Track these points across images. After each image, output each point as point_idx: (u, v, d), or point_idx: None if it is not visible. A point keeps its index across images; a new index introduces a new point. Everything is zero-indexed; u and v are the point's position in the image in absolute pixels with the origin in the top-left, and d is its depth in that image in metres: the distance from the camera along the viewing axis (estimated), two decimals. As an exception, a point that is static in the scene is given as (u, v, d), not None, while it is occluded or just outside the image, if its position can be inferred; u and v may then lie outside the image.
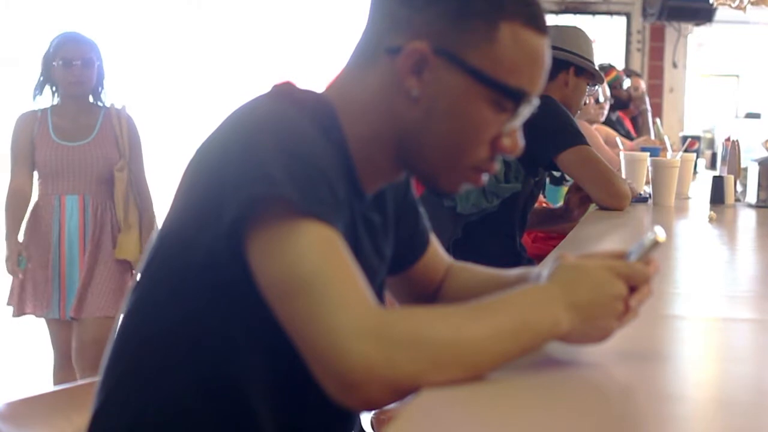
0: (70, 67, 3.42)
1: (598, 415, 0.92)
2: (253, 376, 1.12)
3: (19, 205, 3.50)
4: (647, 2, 7.98)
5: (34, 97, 3.53)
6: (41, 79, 3.52)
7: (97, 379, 1.21)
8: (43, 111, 3.51)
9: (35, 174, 3.53)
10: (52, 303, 3.39)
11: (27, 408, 1.41)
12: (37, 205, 3.51)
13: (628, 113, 5.91)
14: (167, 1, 6.52)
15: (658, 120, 5.23)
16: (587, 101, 3.14)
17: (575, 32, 3.06)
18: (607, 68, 5.71)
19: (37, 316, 3.45)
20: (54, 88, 3.51)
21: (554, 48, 2.93)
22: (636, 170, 3.16)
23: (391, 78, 1.13)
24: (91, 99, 3.52)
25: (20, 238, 3.48)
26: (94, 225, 3.44)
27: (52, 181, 3.46)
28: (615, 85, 5.62)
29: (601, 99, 4.59)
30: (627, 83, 5.86)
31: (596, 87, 3.15)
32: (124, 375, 1.17)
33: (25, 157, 3.49)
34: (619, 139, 4.28)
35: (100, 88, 3.51)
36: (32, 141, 3.47)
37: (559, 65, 2.98)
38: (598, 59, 3.28)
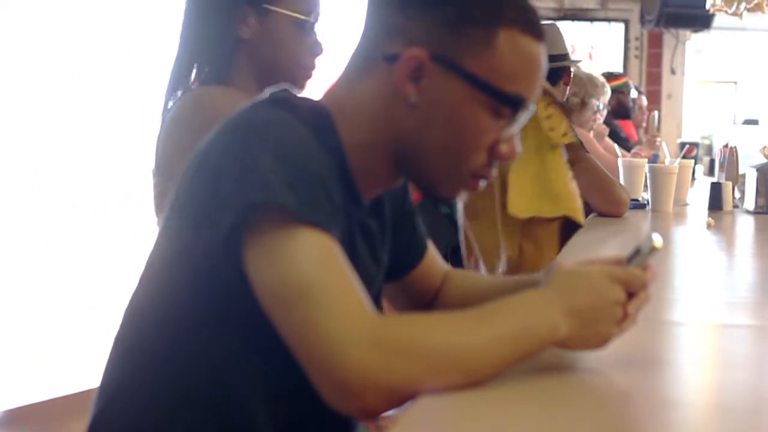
0: None
1: (597, 421, 0.92)
2: (250, 383, 1.12)
3: None
4: (645, 9, 7.99)
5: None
6: None
7: (96, 386, 1.21)
8: None
9: None
10: None
11: (25, 415, 1.41)
12: None
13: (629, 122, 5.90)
14: (164, 1, 6.52)
15: (655, 113, 5.23)
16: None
17: (555, 32, 3.14)
18: (618, 74, 5.73)
19: None
20: None
21: (553, 58, 2.98)
22: (634, 176, 3.17)
23: (389, 85, 1.13)
24: None
25: None
26: None
27: None
28: (623, 91, 5.63)
29: (600, 107, 4.58)
30: (634, 93, 5.87)
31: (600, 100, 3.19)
32: (123, 382, 1.17)
33: None
34: (617, 148, 4.28)
35: None
36: None
37: (560, 72, 3.05)
38: (597, 66, 3.31)
